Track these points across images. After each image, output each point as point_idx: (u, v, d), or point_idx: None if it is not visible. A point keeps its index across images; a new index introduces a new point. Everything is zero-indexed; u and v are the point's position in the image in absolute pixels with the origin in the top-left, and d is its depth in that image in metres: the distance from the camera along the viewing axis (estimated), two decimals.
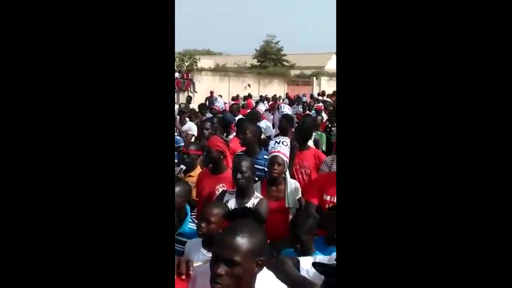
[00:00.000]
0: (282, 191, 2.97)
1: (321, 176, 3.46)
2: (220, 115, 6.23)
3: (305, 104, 10.05)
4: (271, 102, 11.86)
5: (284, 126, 5.02)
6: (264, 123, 6.43)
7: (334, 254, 1.39)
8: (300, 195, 3.05)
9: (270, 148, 3.16)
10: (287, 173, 3.05)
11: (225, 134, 5.48)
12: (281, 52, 28.30)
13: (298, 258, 1.76)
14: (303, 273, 1.64)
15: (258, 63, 26.94)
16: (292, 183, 3.03)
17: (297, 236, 2.20)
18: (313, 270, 1.64)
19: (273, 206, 2.80)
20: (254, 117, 6.17)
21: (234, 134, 5.22)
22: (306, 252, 2.15)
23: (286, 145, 3.06)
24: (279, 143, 3.05)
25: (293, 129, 4.75)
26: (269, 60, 27.04)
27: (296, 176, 3.76)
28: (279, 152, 2.98)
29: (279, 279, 1.57)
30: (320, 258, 1.73)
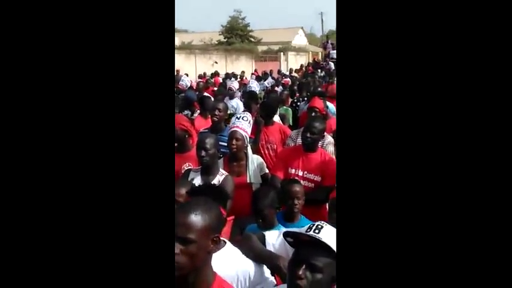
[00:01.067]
0: (243, 166, 2.98)
1: (286, 149, 3.51)
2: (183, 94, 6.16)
3: (273, 79, 10.04)
4: (238, 79, 11.78)
5: (247, 102, 5.02)
6: (235, 102, 6.40)
7: (305, 226, 1.41)
8: (265, 170, 3.08)
9: (230, 124, 3.16)
10: (249, 148, 3.06)
11: (189, 112, 5.43)
12: (248, 28, 27.94)
13: (264, 232, 1.78)
14: (269, 247, 1.66)
15: (225, 40, 26.53)
16: (255, 159, 3.05)
17: (259, 210, 2.21)
18: (278, 243, 1.67)
19: (235, 182, 2.82)
20: (226, 94, 6.11)
21: (199, 112, 5.19)
22: (269, 226, 2.17)
23: (247, 120, 3.06)
24: (239, 119, 3.05)
25: (258, 105, 4.76)
26: (236, 37, 26.65)
27: (262, 152, 3.80)
28: (237, 127, 2.97)
29: (245, 255, 1.59)
30: (291, 229, 1.75)
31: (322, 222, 1.36)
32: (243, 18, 28.03)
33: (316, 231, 1.29)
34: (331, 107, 5.11)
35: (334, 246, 1.27)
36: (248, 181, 2.92)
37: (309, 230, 1.30)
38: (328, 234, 1.29)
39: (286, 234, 1.40)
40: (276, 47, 24.76)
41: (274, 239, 1.69)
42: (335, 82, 9.26)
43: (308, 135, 2.92)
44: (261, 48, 25.62)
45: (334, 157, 3.39)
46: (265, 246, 1.66)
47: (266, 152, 3.87)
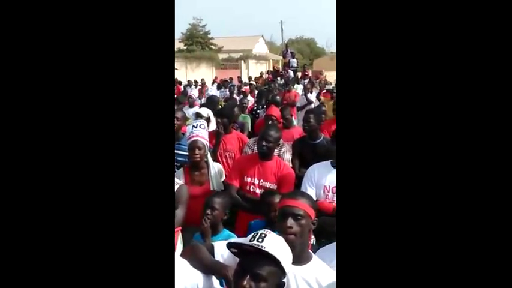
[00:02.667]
0: (205, 175, 2.97)
1: (242, 158, 3.52)
2: None
3: (232, 88, 10.06)
4: (199, 87, 11.72)
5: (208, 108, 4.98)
6: (195, 110, 6.35)
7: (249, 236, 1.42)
8: (224, 177, 3.08)
9: (188, 133, 3.14)
10: (209, 156, 3.05)
11: None
12: (208, 36, 27.89)
13: (213, 243, 1.77)
14: (218, 257, 1.64)
15: (185, 47, 26.35)
16: (215, 166, 3.04)
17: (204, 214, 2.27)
18: (227, 253, 1.67)
19: (198, 191, 2.79)
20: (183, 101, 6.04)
21: None
22: (214, 233, 2.21)
23: (204, 128, 3.05)
24: (196, 127, 3.03)
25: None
26: (196, 44, 26.54)
27: (220, 160, 3.79)
28: (197, 136, 2.96)
29: (194, 267, 1.57)
30: (235, 239, 1.76)
31: (267, 230, 1.37)
32: (203, 26, 27.98)
33: (260, 240, 1.29)
34: None
35: (278, 254, 1.28)
36: (212, 189, 2.91)
37: (252, 239, 1.30)
38: (271, 243, 1.30)
39: (229, 245, 1.40)
40: (236, 55, 24.87)
41: (223, 250, 1.68)
42: (292, 90, 9.43)
43: (263, 143, 2.94)
44: (222, 56, 25.65)
45: (290, 165, 3.44)
46: (214, 256, 1.65)
47: (224, 160, 3.85)
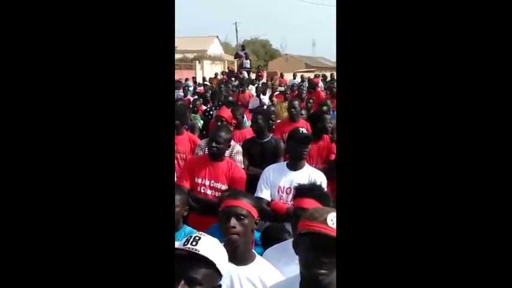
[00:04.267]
0: None
1: (192, 159, 3.50)
2: None
3: (186, 88, 9.95)
4: None
5: None
6: None
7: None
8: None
9: None
10: None
11: None
12: None
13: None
14: None
15: None
16: None
17: None
18: None
19: None
20: None
21: None
22: (175, 229, 2.16)
23: None
24: None
25: None
26: None
27: None
28: None
29: None
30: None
31: (201, 233, 1.37)
32: None
33: (194, 243, 1.29)
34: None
35: (212, 256, 1.28)
36: None
37: (186, 243, 1.30)
38: (205, 245, 1.30)
39: None
40: (191, 55, 24.62)
41: None
42: (247, 91, 9.47)
43: (213, 144, 2.93)
44: (176, 56, 25.29)
45: (241, 166, 3.45)
46: None
47: (175, 162, 3.81)
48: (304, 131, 2.97)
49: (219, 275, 1.33)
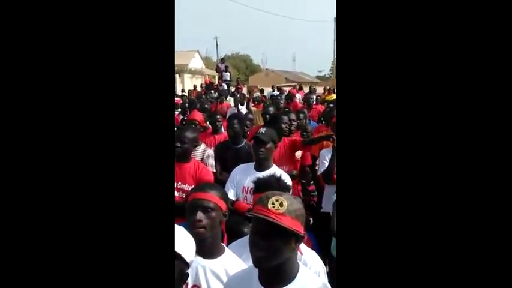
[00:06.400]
0: None
1: None
2: None
3: None
4: None
5: None
6: None
7: None
8: None
9: None
10: None
11: None
12: None
13: None
14: None
15: None
16: None
17: None
18: None
19: None
20: None
21: None
22: None
23: None
24: None
25: None
26: None
27: None
28: None
29: None
30: None
31: None
32: None
33: None
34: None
35: (177, 247, 1.24)
36: None
37: None
38: None
39: None
40: None
41: None
42: (225, 102, 9.47)
43: (178, 144, 2.89)
44: None
45: (213, 170, 3.41)
46: None
47: None
48: (263, 131, 2.94)
49: (186, 264, 1.29)
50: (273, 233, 1.21)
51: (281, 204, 1.25)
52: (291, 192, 2.60)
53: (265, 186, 1.91)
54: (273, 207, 1.25)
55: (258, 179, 2.07)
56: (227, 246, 1.99)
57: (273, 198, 1.27)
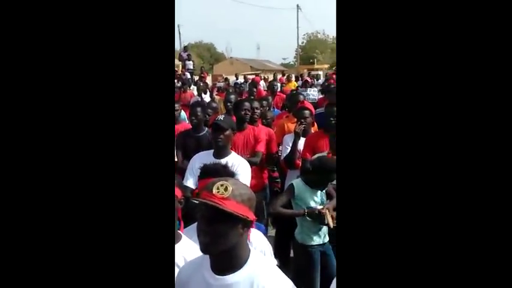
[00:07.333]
0: None
1: None
2: None
3: None
4: None
5: None
6: None
7: None
8: None
9: None
10: None
11: None
12: None
13: None
14: None
15: None
16: None
17: None
18: None
19: None
20: None
21: None
22: None
23: None
24: None
25: None
26: None
27: None
28: None
29: None
30: None
31: None
32: None
33: None
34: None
35: None
36: None
37: None
38: None
39: None
40: None
41: None
42: (188, 91, 9.34)
43: None
44: None
45: (175, 159, 3.36)
46: None
47: None
48: (221, 118, 2.92)
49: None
50: (217, 218, 1.20)
51: (226, 189, 1.23)
52: (245, 179, 2.61)
53: (212, 173, 1.88)
54: (218, 191, 1.23)
55: (204, 165, 2.03)
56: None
57: (218, 183, 1.25)
